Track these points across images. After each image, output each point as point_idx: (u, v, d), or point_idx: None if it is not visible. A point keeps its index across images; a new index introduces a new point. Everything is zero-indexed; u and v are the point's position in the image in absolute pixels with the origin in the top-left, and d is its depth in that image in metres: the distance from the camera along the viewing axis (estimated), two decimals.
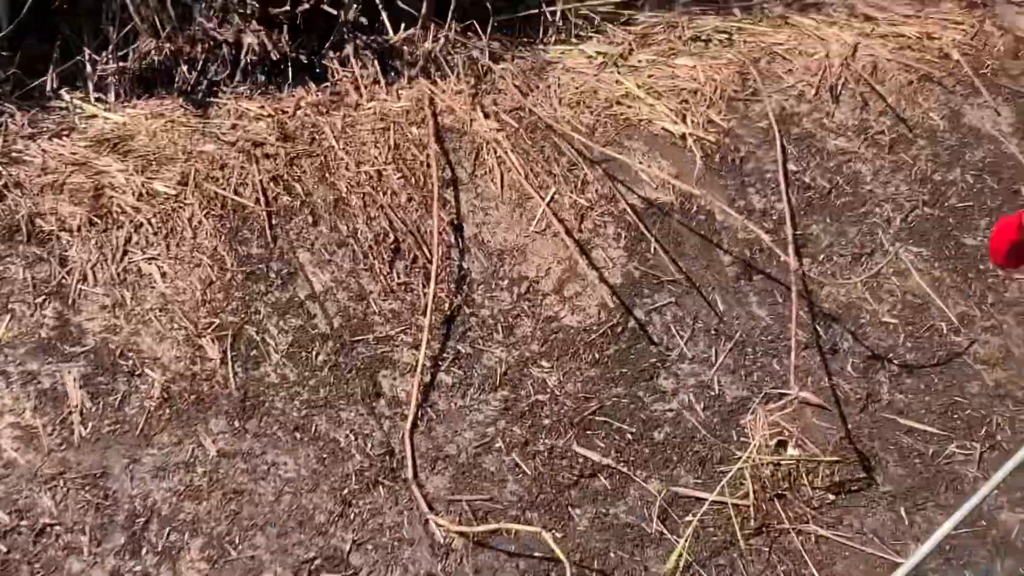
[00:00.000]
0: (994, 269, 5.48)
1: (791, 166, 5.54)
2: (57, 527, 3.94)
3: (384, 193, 4.95)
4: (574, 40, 5.89)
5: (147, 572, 3.96)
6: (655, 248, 5.13)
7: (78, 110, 5.05)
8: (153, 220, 4.60)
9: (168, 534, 4.04)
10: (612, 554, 4.48)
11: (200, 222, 4.65)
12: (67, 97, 5.12)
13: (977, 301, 5.47)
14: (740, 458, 4.72)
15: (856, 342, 5.19)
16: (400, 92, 5.37)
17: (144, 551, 4.00)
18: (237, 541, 4.11)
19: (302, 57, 5.41)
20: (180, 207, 4.66)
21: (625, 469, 4.65)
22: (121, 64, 5.27)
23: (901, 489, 4.90)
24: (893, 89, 5.99)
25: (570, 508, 4.53)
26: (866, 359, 5.17)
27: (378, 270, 4.77)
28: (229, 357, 4.41)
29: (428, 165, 5.05)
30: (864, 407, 5.05)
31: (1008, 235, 4.03)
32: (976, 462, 4.99)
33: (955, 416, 5.12)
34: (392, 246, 4.84)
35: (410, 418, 4.48)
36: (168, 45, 5.30)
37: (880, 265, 5.39)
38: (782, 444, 4.84)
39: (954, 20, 6.48)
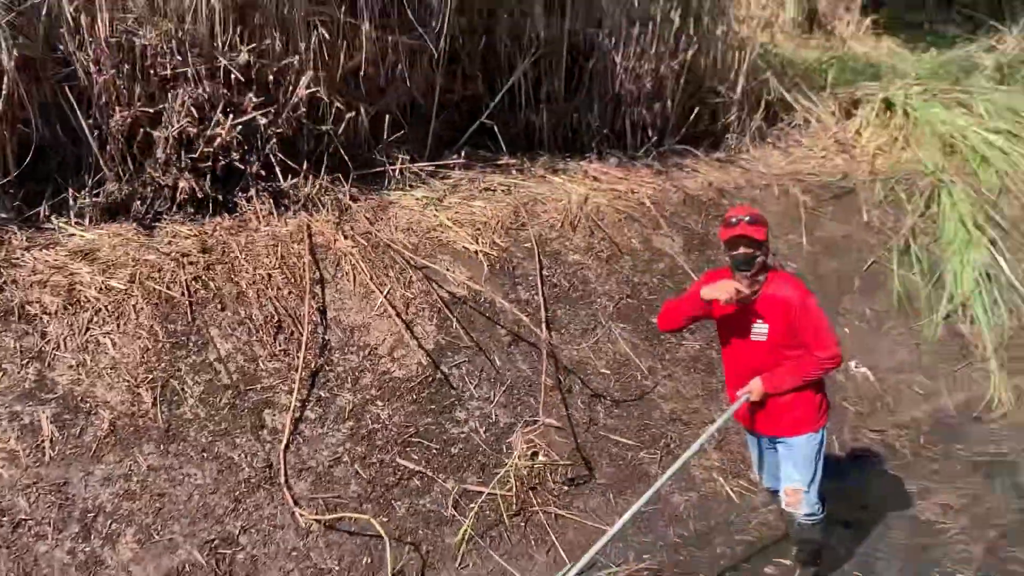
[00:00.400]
0: (668, 338, 5.83)
1: (545, 272, 5.78)
2: (30, 521, 3.91)
3: (272, 288, 5.02)
4: (408, 188, 6.04)
5: (94, 550, 3.96)
6: (456, 325, 5.33)
7: (62, 231, 5.02)
8: (108, 306, 4.61)
9: (110, 524, 4.05)
10: (420, 531, 4.61)
11: (142, 308, 4.67)
12: (55, 221, 5.06)
13: (659, 358, 5.79)
14: (507, 464, 4.93)
15: (584, 385, 5.44)
16: (287, 220, 5.44)
17: (93, 537, 3.99)
18: (160, 528, 4.12)
19: (220, 196, 5.45)
20: (128, 297, 4.67)
21: (431, 473, 4.79)
22: (94, 199, 5.24)
23: (611, 482, 5.15)
24: (610, 223, 6.31)
25: (393, 501, 4.64)
26: (590, 396, 5.41)
27: (265, 341, 4.84)
28: (158, 401, 4.43)
29: (303, 270, 5.16)
30: (588, 427, 5.29)
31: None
32: (658, 463, 5.27)
33: (645, 433, 5.39)
34: (276, 324, 4.92)
35: (284, 441, 4.56)
36: (127, 187, 5.31)
37: (599, 336, 5.68)
38: (535, 454, 5.04)
39: (647, 181, 6.86)
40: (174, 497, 4.22)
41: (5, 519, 3.87)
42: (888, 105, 8.83)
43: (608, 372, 5.56)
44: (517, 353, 5.41)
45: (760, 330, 4.12)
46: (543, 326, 5.51)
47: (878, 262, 7.23)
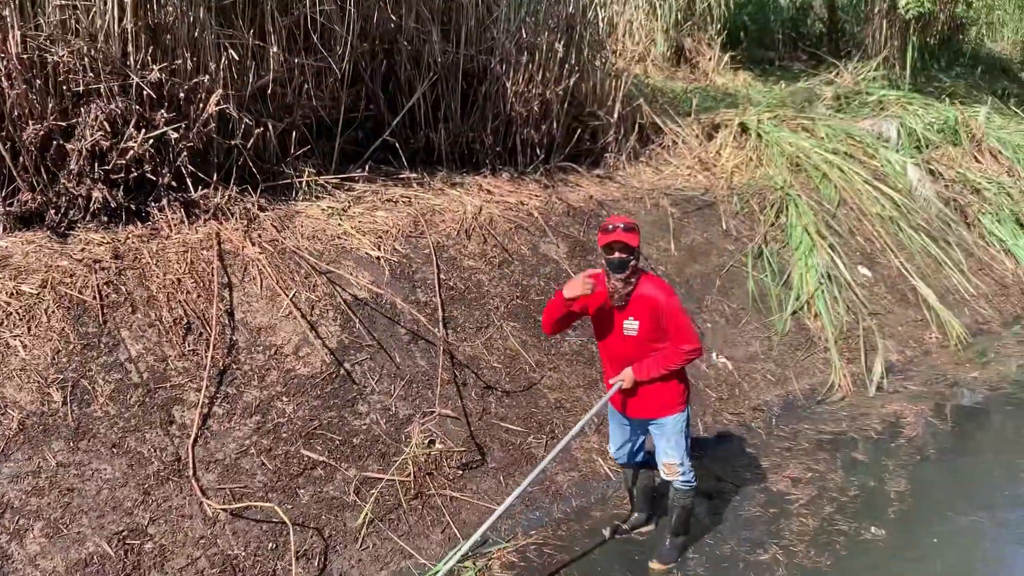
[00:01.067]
0: (548, 336, 5.78)
1: (442, 276, 5.65)
2: None
3: (182, 292, 4.76)
4: (314, 199, 5.81)
5: (1, 546, 3.66)
6: (358, 325, 5.16)
7: None
8: (19, 311, 4.30)
9: (18, 520, 3.75)
10: (324, 517, 4.42)
11: (53, 312, 4.37)
12: None
13: (545, 352, 5.72)
14: (406, 452, 4.79)
15: (478, 378, 5.33)
16: (197, 229, 5.17)
17: (0, 532, 3.70)
18: (68, 522, 3.84)
19: (132, 205, 5.15)
20: (39, 302, 4.37)
21: (334, 463, 4.61)
22: (7, 208, 4.90)
23: (501, 465, 5.05)
24: (501, 232, 6.21)
25: (298, 489, 4.44)
26: (483, 388, 5.31)
27: (175, 342, 4.58)
28: (68, 400, 4.14)
29: (212, 275, 4.92)
30: (481, 416, 5.19)
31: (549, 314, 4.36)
32: (544, 447, 5.20)
33: (532, 420, 5.32)
34: (185, 326, 4.66)
35: (192, 436, 4.33)
36: (40, 196, 4.97)
37: (492, 333, 5.59)
38: (431, 442, 4.91)
39: (536, 194, 6.80)
40: (83, 492, 3.94)
41: None
42: (744, 129, 9.01)
43: (499, 366, 5.46)
44: (416, 350, 5.26)
45: (631, 326, 4.18)
46: (440, 325, 5.38)
47: (735, 265, 7.34)
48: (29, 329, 4.27)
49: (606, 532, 4.74)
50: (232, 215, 5.37)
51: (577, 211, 6.86)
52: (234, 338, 4.76)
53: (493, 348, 5.52)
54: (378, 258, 5.53)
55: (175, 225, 5.17)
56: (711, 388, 6.30)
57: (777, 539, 4.72)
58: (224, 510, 4.17)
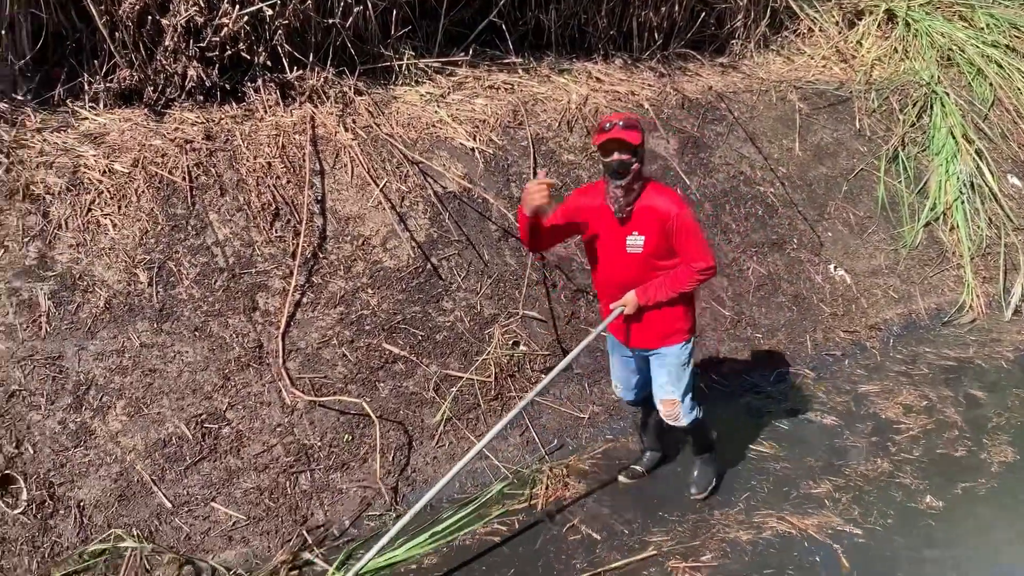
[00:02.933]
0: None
1: (539, 171, 5.28)
2: (24, 392, 3.64)
3: (272, 177, 4.60)
4: (412, 84, 5.49)
5: (84, 421, 3.70)
6: (448, 219, 4.88)
7: (76, 114, 4.60)
8: (111, 189, 4.23)
9: (101, 397, 3.77)
10: (402, 411, 4.30)
11: (143, 192, 4.28)
12: (69, 105, 4.67)
13: None
14: (488, 352, 4.57)
15: (568, 281, 5.00)
16: (292, 111, 4.97)
17: (84, 408, 3.71)
18: (149, 402, 3.84)
19: (227, 85, 4.99)
20: (131, 181, 4.28)
21: (415, 358, 4.45)
22: (107, 84, 4.80)
23: (586, 371, 4.79)
24: None
25: (378, 383, 4.32)
26: (573, 291, 4.99)
27: (262, 227, 4.45)
28: (154, 281, 4.09)
29: (304, 160, 4.72)
30: (569, 320, 4.89)
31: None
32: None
33: None
34: (274, 212, 4.51)
35: (282, 325, 4.23)
36: (138, 74, 4.85)
37: None
38: (515, 343, 4.67)
39: (649, 84, 6.21)
40: (165, 373, 3.91)
41: (0, 388, 3.59)
42: (891, 16, 7.94)
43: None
44: (506, 248, 4.96)
45: (636, 242, 3.55)
46: None
47: (866, 169, 6.59)
48: (119, 208, 4.20)
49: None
50: (327, 98, 5.11)
51: (693, 103, 6.24)
52: (322, 226, 4.58)
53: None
54: (473, 149, 5.19)
55: (269, 107, 4.96)
56: (825, 303, 5.76)
57: (868, 470, 4.27)
58: (313, 402, 4.08)
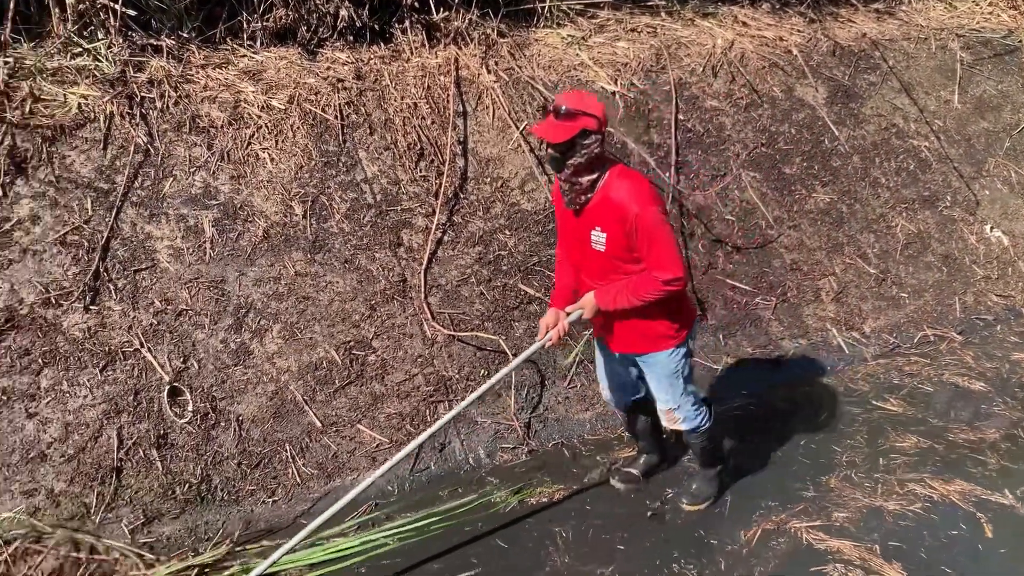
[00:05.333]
0: (799, 189, 5.17)
1: (680, 116, 5.17)
2: (190, 311, 3.90)
3: (417, 117, 4.70)
4: (554, 26, 5.45)
5: (244, 341, 3.94)
6: None
7: (235, 52, 4.81)
8: (269, 124, 4.42)
9: (259, 320, 4.00)
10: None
11: (299, 128, 4.46)
12: (229, 43, 4.88)
13: (787, 208, 5.14)
14: None
15: (707, 230, 4.91)
16: (437, 53, 5.04)
17: (243, 329, 3.95)
18: (303, 327, 4.05)
19: (376, 26, 5.10)
20: (287, 117, 4.47)
21: (549, 300, 4.48)
22: (264, 24, 4.99)
23: (722, 323, 4.71)
24: (752, 71, 5.51)
25: (512, 322, 4.40)
26: (711, 241, 4.90)
27: (408, 166, 4.57)
28: (308, 214, 4.28)
29: (448, 101, 4.79)
30: (706, 271, 4.81)
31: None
32: (772, 310, 4.78)
33: (762, 280, 4.87)
34: (419, 151, 4.62)
35: (424, 260, 4.35)
36: (293, 13, 5.02)
37: (728, 183, 5.07)
38: None
39: (798, 29, 5.92)
40: (317, 301, 4.11)
41: (169, 308, 3.86)
42: None
43: (732, 218, 4.99)
44: None
45: (598, 239, 3.03)
46: (672, 169, 4.95)
47: None
48: (276, 143, 4.39)
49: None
50: (471, 40, 5.14)
51: (845, 51, 5.94)
52: (464, 167, 4.65)
53: (728, 199, 5.03)
54: (613, 93, 5.12)
55: (416, 48, 5.04)
56: (978, 264, 5.44)
57: (1016, 440, 4.06)
58: (452, 336, 4.20)
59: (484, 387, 3.31)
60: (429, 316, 4.22)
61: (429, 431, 3.24)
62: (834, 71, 5.77)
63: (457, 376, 4.16)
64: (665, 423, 3.46)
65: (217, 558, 3.41)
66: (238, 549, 3.47)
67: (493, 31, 5.27)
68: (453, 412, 3.27)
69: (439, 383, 4.12)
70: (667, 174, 4.89)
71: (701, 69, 5.40)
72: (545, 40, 5.35)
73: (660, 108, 5.16)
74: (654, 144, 5.02)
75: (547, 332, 3.16)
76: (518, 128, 4.80)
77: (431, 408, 4.06)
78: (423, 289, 4.30)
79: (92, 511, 3.45)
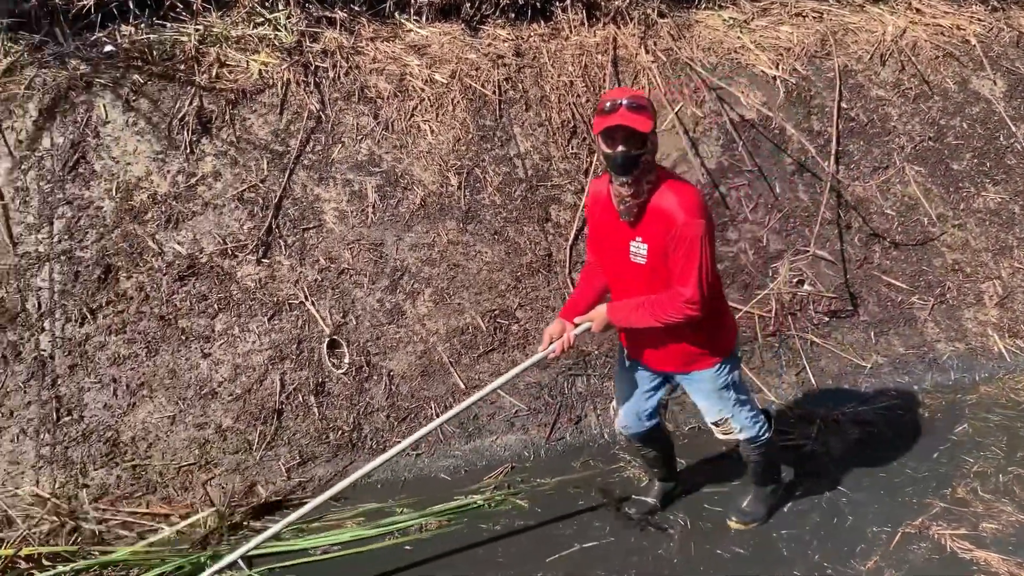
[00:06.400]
0: (967, 186, 4.92)
1: (843, 104, 5.01)
2: (351, 271, 4.15)
3: (572, 95, 4.78)
4: (716, 7, 5.39)
5: (398, 302, 4.15)
6: (741, 148, 4.81)
7: (401, 26, 5.03)
8: (431, 97, 4.62)
9: (412, 283, 4.20)
10: None
11: (458, 101, 4.63)
12: (397, 18, 5.10)
13: (952, 206, 4.91)
14: (771, 287, 4.51)
15: (864, 223, 4.77)
16: (595, 32, 5.10)
17: (398, 291, 4.17)
18: (452, 293, 4.23)
19: (538, 3, 5.20)
20: (448, 91, 4.65)
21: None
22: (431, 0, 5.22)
23: (874, 320, 4.57)
24: (924, 60, 5.28)
25: None
26: (868, 235, 4.75)
27: (560, 143, 4.66)
28: (463, 185, 4.45)
29: (604, 80, 4.85)
30: (860, 265, 4.68)
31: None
32: (929, 311, 4.60)
33: (920, 279, 4.69)
34: (571, 129, 4.70)
35: (571, 236, 4.44)
36: None
37: (890, 176, 4.89)
38: (800, 282, 4.56)
39: (978, 18, 5.60)
40: (466, 269, 4.28)
41: (332, 265, 4.13)
42: None
43: (892, 213, 4.82)
44: (799, 183, 4.81)
45: (639, 251, 2.80)
46: (831, 159, 4.83)
47: None
48: (437, 116, 4.58)
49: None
50: (630, 20, 5.17)
51: None
52: None
53: (889, 192, 4.86)
54: (774, 78, 5.03)
55: (575, 27, 5.12)
56: None
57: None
58: None
59: (472, 399, 3.14)
60: (571, 288, 4.31)
61: (414, 436, 3.15)
62: (1016, 63, 5.44)
63: (596, 352, 4.25)
64: (719, 435, 3.21)
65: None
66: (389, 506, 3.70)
67: (653, 11, 5.27)
68: (437, 422, 3.17)
69: (579, 357, 4.21)
70: (826, 163, 4.77)
71: (868, 57, 5.22)
72: (706, 22, 5.31)
73: (822, 95, 5.03)
74: (814, 131, 4.91)
75: (551, 343, 2.99)
76: (673, 109, 4.81)
77: (569, 381, 4.16)
78: (568, 264, 4.39)
79: (254, 448, 3.75)
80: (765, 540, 3.40)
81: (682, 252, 2.68)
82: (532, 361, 3.08)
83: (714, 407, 3.11)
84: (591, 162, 4.58)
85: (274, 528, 3.13)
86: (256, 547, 3.12)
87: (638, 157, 2.66)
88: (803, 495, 3.63)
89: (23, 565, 3.25)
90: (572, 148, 4.65)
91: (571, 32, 5.12)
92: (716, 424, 3.18)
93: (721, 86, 4.92)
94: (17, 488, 3.51)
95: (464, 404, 3.15)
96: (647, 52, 5.03)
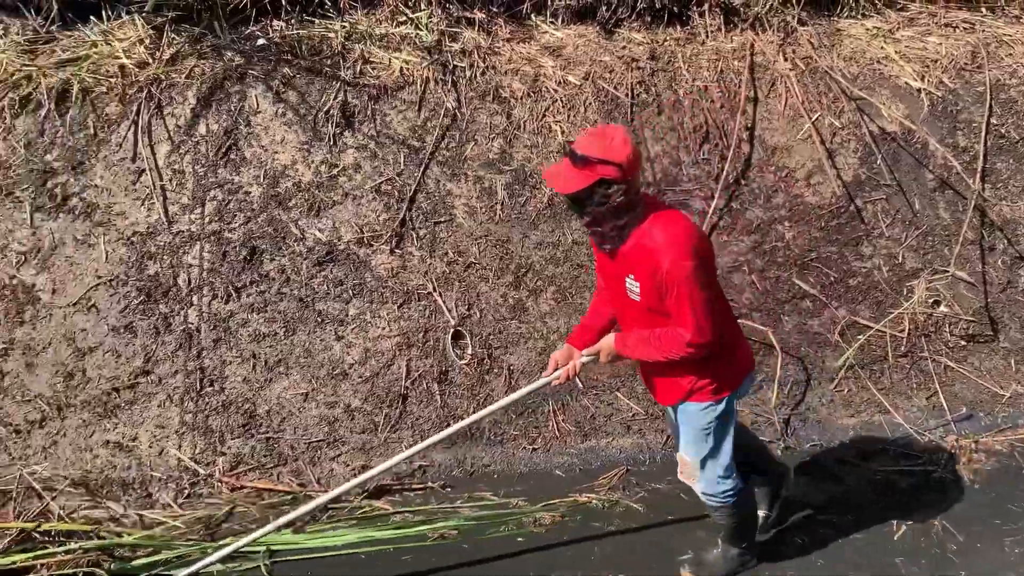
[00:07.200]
0: None
1: (993, 120, 4.81)
2: (478, 265, 4.26)
3: (706, 101, 4.76)
4: (859, 17, 5.27)
5: (521, 298, 4.23)
6: (880, 161, 4.68)
7: (537, 28, 5.11)
8: (563, 98, 4.68)
9: (536, 281, 4.28)
10: (803, 348, 4.31)
11: (590, 103, 4.68)
12: (533, 19, 5.20)
13: None
14: (905, 306, 4.36)
15: (1009, 245, 4.56)
16: (732, 37, 5.05)
17: (521, 287, 4.26)
18: (573, 293, 4.29)
19: (675, 8, 5.20)
20: (580, 93, 4.70)
21: (824, 299, 4.40)
22: (566, 2, 5.25)
23: (1016, 347, 4.36)
24: None
25: (783, 316, 4.37)
26: (1014, 257, 4.54)
27: (691, 148, 4.65)
28: None
29: (739, 87, 4.81)
30: (1004, 289, 4.48)
31: None
32: None
33: None
34: (703, 134, 4.68)
35: None
36: None
37: None
38: (936, 303, 4.40)
39: None
40: (589, 271, 4.32)
41: (460, 259, 4.25)
42: None
43: None
44: (940, 200, 4.64)
45: (633, 288, 2.73)
46: (977, 176, 4.64)
47: None
48: (568, 117, 4.64)
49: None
50: (769, 26, 5.10)
51: None
52: (748, 154, 4.66)
53: None
54: (919, 90, 4.87)
55: (711, 32, 5.09)
56: None
57: None
58: None
59: (474, 417, 3.19)
60: None
61: (413, 449, 3.21)
62: None
63: None
64: (679, 471, 3.11)
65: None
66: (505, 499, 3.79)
67: (794, 19, 5.19)
68: (435, 438, 3.22)
69: None
70: (971, 180, 4.59)
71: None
72: (848, 31, 5.19)
73: (969, 110, 4.83)
74: (959, 147, 4.73)
75: (556, 368, 2.99)
76: (810, 118, 4.72)
77: None
78: None
79: (379, 429, 3.91)
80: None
81: (674, 295, 2.60)
82: (535, 386, 3.08)
83: (691, 445, 2.98)
84: (722, 168, 4.55)
85: (281, 520, 3.18)
86: (259, 538, 3.18)
87: (580, 208, 2.63)
88: (919, 521, 3.52)
89: (38, 539, 3.36)
90: (703, 153, 4.63)
91: (707, 37, 5.10)
92: (681, 461, 3.07)
93: (862, 97, 4.79)
94: (161, 451, 3.78)
95: (450, 429, 3.22)
96: (785, 59, 4.95)
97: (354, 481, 3.22)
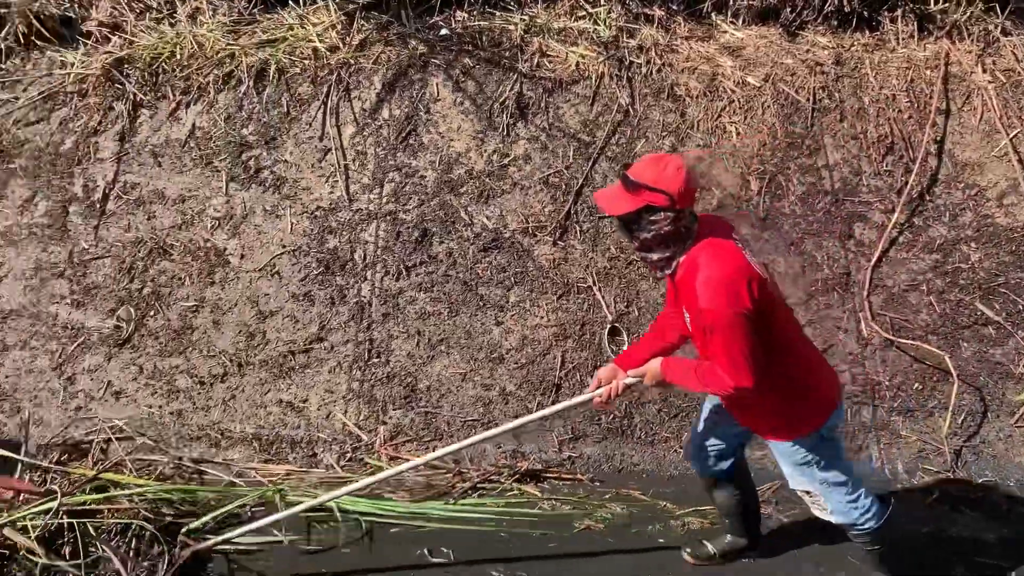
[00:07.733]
0: None
1: None
2: (639, 263, 4.25)
3: (893, 110, 4.55)
4: None
5: None
6: None
7: (717, 27, 5.02)
8: (741, 99, 4.60)
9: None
10: (983, 378, 4.06)
11: (769, 106, 4.58)
12: (713, 18, 5.11)
13: None
14: None
15: None
16: (926, 45, 4.80)
17: None
18: None
19: (865, 12, 5.00)
20: (759, 95, 4.60)
21: (1010, 327, 4.13)
22: (749, 2, 5.15)
23: None
24: None
25: (961, 341, 4.13)
26: None
27: (874, 159, 4.45)
28: (763, 191, 4.40)
29: (930, 97, 4.57)
30: None
31: None
32: None
33: None
34: (888, 145, 4.48)
35: (874, 258, 4.25)
36: None
37: None
38: None
39: None
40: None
41: (622, 256, 4.25)
42: None
43: None
44: None
45: (686, 318, 2.63)
46: None
47: None
48: (744, 118, 4.56)
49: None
50: (968, 35, 4.82)
51: None
52: (935, 168, 4.43)
53: None
54: None
55: (903, 39, 4.86)
56: None
57: None
58: (890, 341, 4.08)
59: (506, 427, 3.16)
60: (869, 315, 4.14)
61: (456, 446, 3.23)
62: None
63: (887, 384, 4.04)
64: (811, 508, 2.97)
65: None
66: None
67: (997, 27, 4.87)
68: (467, 442, 3.21)
69: (866, 386, 4.03)
70: None
71: None
72: None
73: None
74: None
75: (599, 386, 2.91)
76: (1008, 134, 4.44)
77: (855, 409, 3.99)
78: (866, 286, 4.21)
79: None
80: None
81: (713, 339, 2.51)
82: (575, 402, 3.01)
83: (796, 478, 2.90)
84: (907, 182, 4.35)
85: (356, 483, 3.34)
86: (332, 499, 3.35)
87: (629, 232, 2.62)
88: None
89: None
90: (887, 165, 4.44)
91: (898, 44, 4.87)
92: (801, 495, 2.96)
93: None
94: (328, 414, 4.01)
95: (480, 436, 3.23)
96: (984, 71, 4.67)
97: (421, 459, 3.35)
